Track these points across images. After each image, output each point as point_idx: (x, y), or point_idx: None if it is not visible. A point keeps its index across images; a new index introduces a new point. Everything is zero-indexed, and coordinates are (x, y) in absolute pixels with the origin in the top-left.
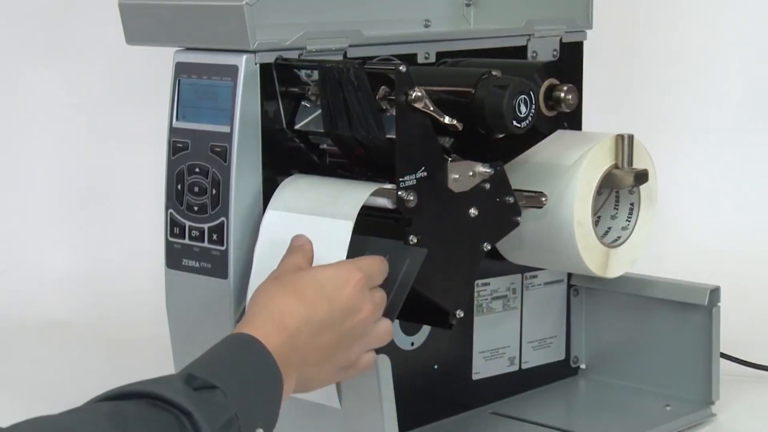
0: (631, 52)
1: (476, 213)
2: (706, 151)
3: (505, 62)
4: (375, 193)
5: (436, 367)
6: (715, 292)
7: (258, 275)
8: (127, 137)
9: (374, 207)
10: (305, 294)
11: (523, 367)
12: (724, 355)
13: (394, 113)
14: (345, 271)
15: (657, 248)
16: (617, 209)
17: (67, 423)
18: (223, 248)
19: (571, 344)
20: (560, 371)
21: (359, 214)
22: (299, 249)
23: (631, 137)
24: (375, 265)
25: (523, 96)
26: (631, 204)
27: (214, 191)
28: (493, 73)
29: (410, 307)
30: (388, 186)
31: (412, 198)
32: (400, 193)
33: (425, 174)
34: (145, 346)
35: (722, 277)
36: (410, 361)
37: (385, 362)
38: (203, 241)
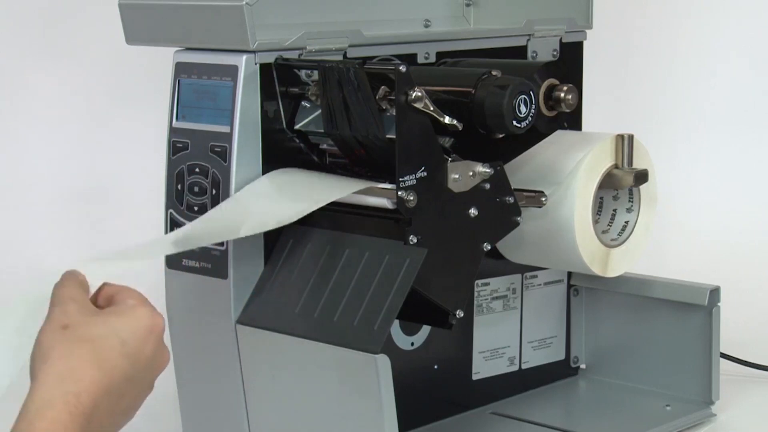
0: (631, 52)
1: (476, 213)
2: (706, 151)
3: (505, 62)
4: (375, 193)
5: (436, 367)
6: (715, 292)
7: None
8: (127, 137)
9: (374, 207)
10: (103, 355)
11: (523, 367)
12: (724, 355)
13: (394, 113)
14: (147, 323)
15: (657, 248)
16: (617, 209)
17: None
18: (223, 248)
19: (571, 344)
20: (560, 371)
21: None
22: (73, 280)
23: (631, 137)
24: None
25: (523, 96)
26: (631, 204)
27: (214, 191)
28: (493, 73)
29: (410, 307)
30: (388, 186)
31: (412, 198)
32: (400, 193)
33: (425, 174)
34: None
35: (722, 277)
36: (410, 361)
37: (385, 362)
38: None
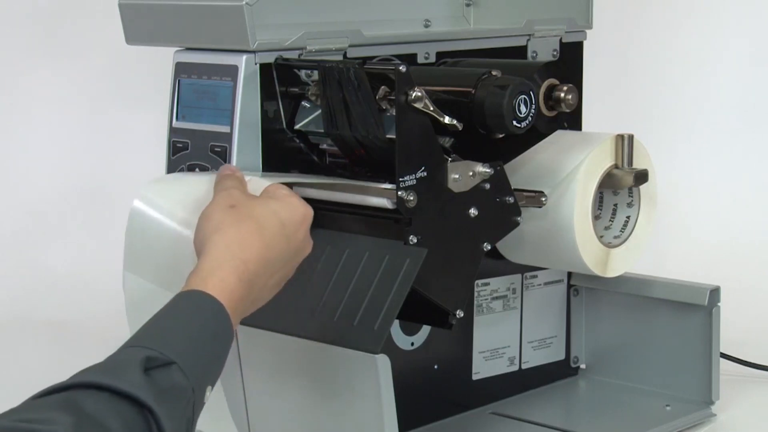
0: (631, 52)
1: (476, 213)
2: (706, 151)
3: (505, 62)
4: (375, 193)
5: (436, 367)
6: (715, 292)
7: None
8: (127, 137)
9: (374, 207)
10: (266, 230)
11: (523, 367)
12: (724, 355)
13: (394, 113)
14: (301, 209)
15: (657, 248)
16: (617, 209)
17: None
18: None
19: (571, 344)
20: (560, 371)
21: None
22: (232, 176)
23: (631, 137)
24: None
25: (523, 96)
26: (631, 204)
27: None
28: (493, 73)
29: (410, 307)
30: (388, 186)
31: (412, 198)
32: (400, 193)
33: (425, 174)
34: None
35: (722, 277)
36: (410, 361)
37: (385, 362)
38: None
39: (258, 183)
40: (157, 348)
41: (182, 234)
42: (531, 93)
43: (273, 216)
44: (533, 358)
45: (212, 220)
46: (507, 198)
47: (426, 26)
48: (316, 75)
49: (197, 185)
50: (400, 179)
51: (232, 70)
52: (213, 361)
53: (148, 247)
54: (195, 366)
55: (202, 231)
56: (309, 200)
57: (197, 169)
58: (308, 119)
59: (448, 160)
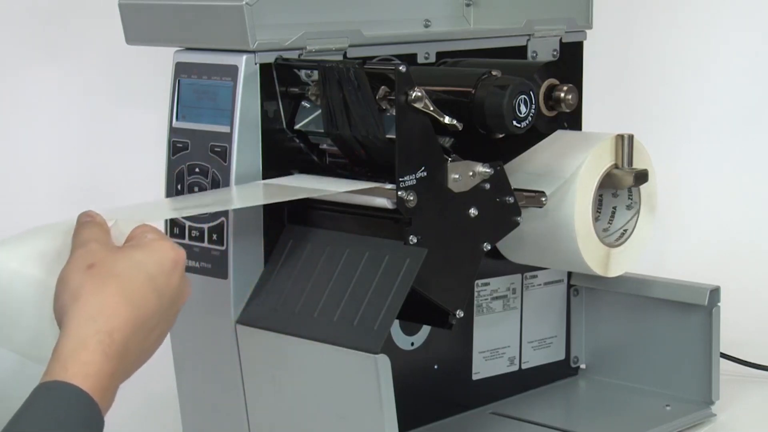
0: (631, 52)
1: (476, 213)
2: (706, 151)
3: (505, 62)
4: (375, 193)
5: (436, 367)
6: (715, 292)
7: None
8: (127, 137)
9: (374, 207)
10: (131, 290)
11: (523, 367)
12: (724, 355)
13: (394, 113)
14: (171, 255)
15: (657, 248)
16: (617, 209)
17: None
18: (223, 248)
19: (571, 344)
20: (560, 371)
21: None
22: (91, 224)
23: (631, 137)
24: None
25: (523, 96)
26: (631, 204)
27: None
28: (493, 73)
29: (410, 307)
30: (388, 186)
31: (412, 198)
32: (400, 193)
33: (425, 174)
34: None
35: (722, 277)
36: (410, 361)
37: (385, 362)
38: (203, 241)
39: (122, 228)
40: None
41: (41, 298)
42: (531, 93)
43: (139, 270)
44: (533, 358)
45: (70, 286)
46: (507, 198)
47: (426, 26)
48: (316, 75)
49: (53, 238)
50: (400, 179)
51: (232, 70)
52: None
53: (7, 316)
54: None
55: (61, 299)
56: (309, 200)
57: (197, 169)
58: (308, 119)
59: (448, 160)
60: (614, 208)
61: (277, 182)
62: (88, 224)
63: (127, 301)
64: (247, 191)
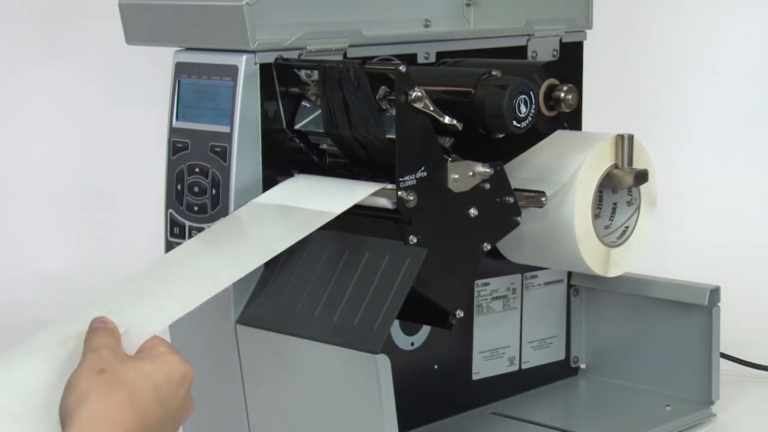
0: (631, 52)
1: (476, 213)
2: (706, 151)
3: (505, 62)
4: (375, 193)
5: (436, 367)
6: (715, 292)
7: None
8: (127, 137)
9: (374, 207)
10: (138, 398)
11: (523, 367)
12: (724, 355)
13: (394, 113)
14: (179, 369)
15: (657, 248)
16: (617, 209)
17: None
18: None
19: (571, 344)
20: (560, 371)
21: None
22: (104, 331)
23: (631, 137)
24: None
25: (523, 96)
26: (631, 204)
27: (214, 191)
28: (493, 73)
29: (410, 307)
30: (388, 186)
31: (412, 198)
32: (400, 193)
33: (425, 174)
34: None
35: (722, 277)
36: (410, 361)
37: (385, 362)
38: None
39: (133, 337)
40: None
41: (49, 399)
42: (531, 93)
43: (146, 381)
44: (533, 358)
45: (77, 390)
46: (507, 198)
47: (426, 26)
48: (316, 75)
49: (65, 342)
50: (400, 179)
51: (232, 70)
52: None
53: (11, 412)
54: None
55: (67, 401)
56: None
57: (197, 169)
58: (308, 119)
59: (448, 160)
60: (614, 204)
61: (278, 198)
62: (100, 330)
63: (132, 409)
64: (266, 238)
